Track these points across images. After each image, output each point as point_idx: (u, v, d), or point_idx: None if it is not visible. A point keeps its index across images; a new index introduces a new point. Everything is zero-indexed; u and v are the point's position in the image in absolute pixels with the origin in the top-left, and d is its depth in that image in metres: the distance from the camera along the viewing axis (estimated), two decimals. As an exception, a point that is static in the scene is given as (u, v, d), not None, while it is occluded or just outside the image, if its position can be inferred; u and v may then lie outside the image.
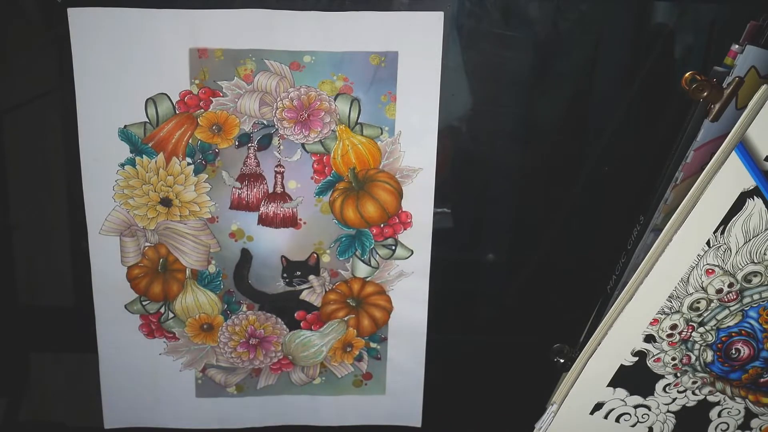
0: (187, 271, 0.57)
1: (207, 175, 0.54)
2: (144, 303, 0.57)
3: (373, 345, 0.61)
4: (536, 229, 0.63)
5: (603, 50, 0.57)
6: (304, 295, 0.58)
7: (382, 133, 0.54)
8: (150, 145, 0.53)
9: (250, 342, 0.59)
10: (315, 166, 0.54)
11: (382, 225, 0.56)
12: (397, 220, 0.56)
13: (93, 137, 0.52)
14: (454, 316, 0.64)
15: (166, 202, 0.54)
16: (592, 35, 0.57)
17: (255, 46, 0.51)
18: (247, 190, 0.55)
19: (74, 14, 0.49)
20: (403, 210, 0.56)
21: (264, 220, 0.56)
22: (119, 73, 0.51)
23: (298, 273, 0.57)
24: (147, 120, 0.52)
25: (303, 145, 0.54)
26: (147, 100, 0.52)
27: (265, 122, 0.53)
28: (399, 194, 0.56)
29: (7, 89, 0.56)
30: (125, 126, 0.52)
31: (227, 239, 0.56)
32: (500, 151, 0.60)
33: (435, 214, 0.57)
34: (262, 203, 0.55)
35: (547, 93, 0.59)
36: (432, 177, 0.55)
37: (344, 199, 0.55)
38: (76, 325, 0.61)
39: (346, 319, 0.59)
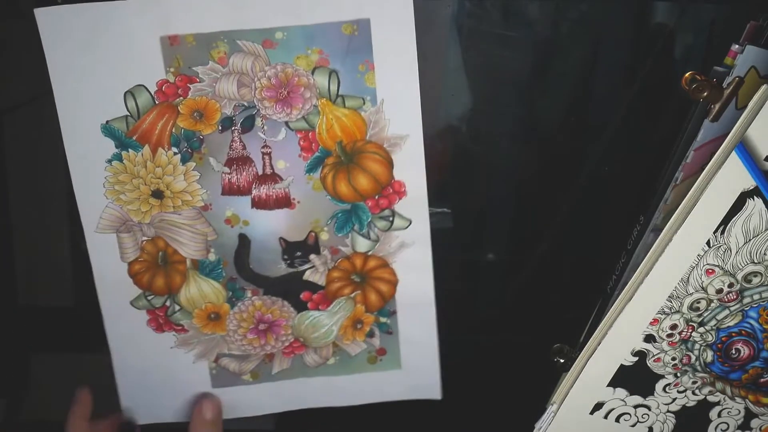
0: (188, 262, 0.57)
1: (195, 163, 0.54)
2: (149, 298, 0.57)
3: (383, 320, 0.60)
4: (536, 229, 0.63)
5: (603, 50, 0.57)
6: (308, 275, 0.58)
7: (364, 103, 0.53)
8: (134, 138, 0.53)
9: (260, 328, 0.59)
10: (301, 143, 0.54)
11: (376, 196, 0.56)
12: (391, 190, 0.56)
13: (76, 136, 0.52)
14: (454, 316, 0.64)
15: (157, 194, 0.54)
16: (592, 35, 0.57)
17: (225, 27, 0.50)
18: (236, 175, 0.54)
19: (41, 14, 0.49)
20: (396, 179, 0.56)
21: (257, 203, 0.55)
22: (94, 69, 0.51)
23: (299, 253, 0.57)
24: (128, 113, 0.52)
25: (287, 123, 0.53)
26: (125, 93, 0.51)
27: (245, 104, 0.52)
28: (389, 163, 0.55)
29: (7, 89, 0.56)
30: (107, 121, 0.52)
31: (223, 226, 0.56)
32: (500, 151, 0.60)
33: (435, 214, 0.57)
34: (254, 186, 0.55)
35: (547, 93, 0.59)
36: (420, 143, 0.54)
37: (335, 174, 0.55)
38: (76, 324, 0.61)
39: (352, 295, 0.59)
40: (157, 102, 0.52)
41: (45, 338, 0.64)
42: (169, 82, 0.52)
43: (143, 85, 0.51)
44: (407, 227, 0.57)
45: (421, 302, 0.60)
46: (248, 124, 0.53)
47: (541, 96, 0.59)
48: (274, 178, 0.55)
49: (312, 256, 0.57)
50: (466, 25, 0.55)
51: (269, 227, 0.56)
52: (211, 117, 0.53)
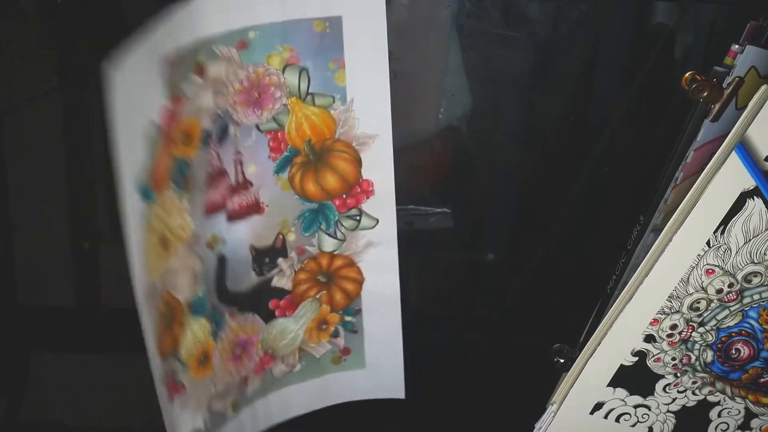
0: (184, 307, 0.51)
1: (187, 193, 0.49)
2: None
3: (348, 318, 0.60)
4: (536, 229, 0.63)
5: (603, 50, 0.57)
6: (275, 281, 0.57)
7: (334, 102, 0.52)
8: (149, 183, 0.46)
9: (235, 353, 0.57)
10: (271, 144, 0.53)
11: (344, 196, 0.55)
12: (359, 190, 0.55)
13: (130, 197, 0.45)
14: (454, 316, 0.64)
15: (164, 243, 0.48)
16: (592, 35, 0.57)
17: (203, 35, 0.47)
18: (213, 192, 0.52)
19: (114, 70, 0.41)
20: (364, 178, 0.55)
21: (232, 215, 0.54)
22: (138, 126, 0.44)
23: (267, 260, 0.56)
24: (144, 158, 0.45)
25: (257, 125, 0.52)
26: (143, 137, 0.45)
27: (220, 113, 0.50)
28: (358, 162, 0.54)
29: (7, 89, 0.56)
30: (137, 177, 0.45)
31: (206, 251, 0.52)
32: (500, 151, 0.60)
33: (435, 214, 0.57)
34: (228, 199, 0.53)
35: (547, 93, 0.59)
36: (389, 143, 0.54)
37: (303, 173, 0.54)
38: (76, 324, 0.61)
39: (318, 296, 0.58)
40: (161, 136, 0.46)
41: (45, 338, 0.64)
42: (167, 109, 0.46)
43: (153, 121, 0.45)
44: (374, 226, 0.56)
45: (386, 301, 0.59)
46: (223, 134, 0.51)
47: (541, 96, 0.59)
48: (245, 185, 0.53)
49: (279, 260, 0.56)
50: (466, 25, 0.55)
51: (241, 238, 0.54)
52: (195, 136, 0.49)
